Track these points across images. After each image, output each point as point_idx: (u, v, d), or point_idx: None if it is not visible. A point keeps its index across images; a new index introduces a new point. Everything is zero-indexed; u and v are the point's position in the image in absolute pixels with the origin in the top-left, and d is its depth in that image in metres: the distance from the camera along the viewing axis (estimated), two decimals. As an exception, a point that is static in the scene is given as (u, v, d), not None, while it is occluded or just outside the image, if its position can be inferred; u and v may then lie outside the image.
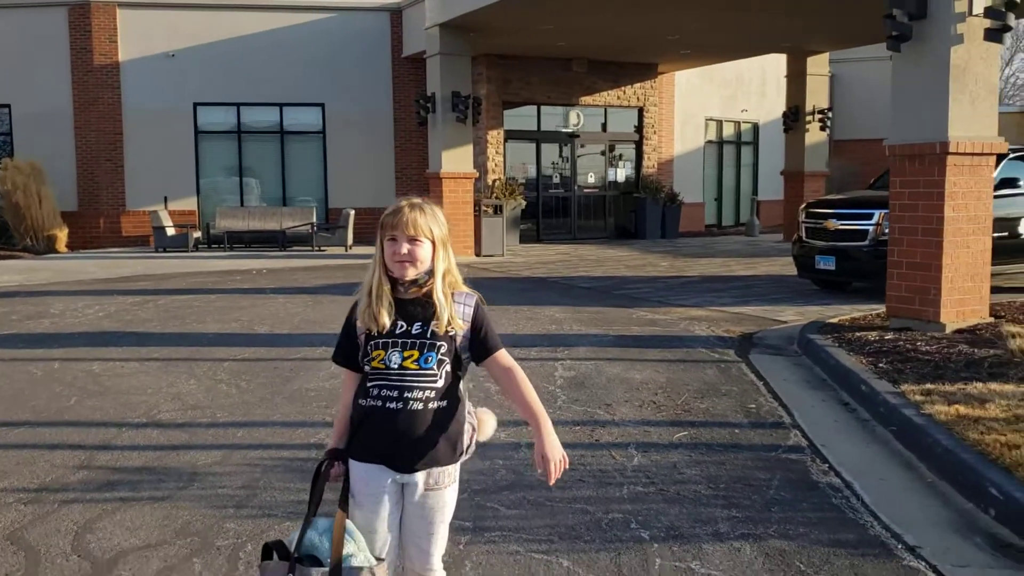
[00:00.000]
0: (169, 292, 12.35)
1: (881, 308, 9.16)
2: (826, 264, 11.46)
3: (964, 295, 8.30)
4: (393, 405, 2.63)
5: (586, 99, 21.49)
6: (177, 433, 5.56)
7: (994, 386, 5.91)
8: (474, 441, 2.80)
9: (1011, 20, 7.96)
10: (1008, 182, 11.31)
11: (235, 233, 18.84)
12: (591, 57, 20.79)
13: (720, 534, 3.96)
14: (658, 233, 21.90)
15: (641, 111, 22.29)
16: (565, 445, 2.75)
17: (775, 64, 23.28)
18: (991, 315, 8.55)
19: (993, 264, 11.14)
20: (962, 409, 5.37)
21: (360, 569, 2.56)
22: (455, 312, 2.67)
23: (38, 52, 19.80)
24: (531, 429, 2.69)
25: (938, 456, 4.82)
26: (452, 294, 2.70)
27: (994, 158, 8.48)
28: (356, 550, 2.59)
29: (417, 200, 2.80)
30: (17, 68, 19.73)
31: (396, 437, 2.62)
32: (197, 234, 18.86)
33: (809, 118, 20.08)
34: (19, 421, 5.87)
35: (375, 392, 2.65)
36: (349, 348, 2.75)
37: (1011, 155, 11.56)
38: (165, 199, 19.89)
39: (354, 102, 20.68)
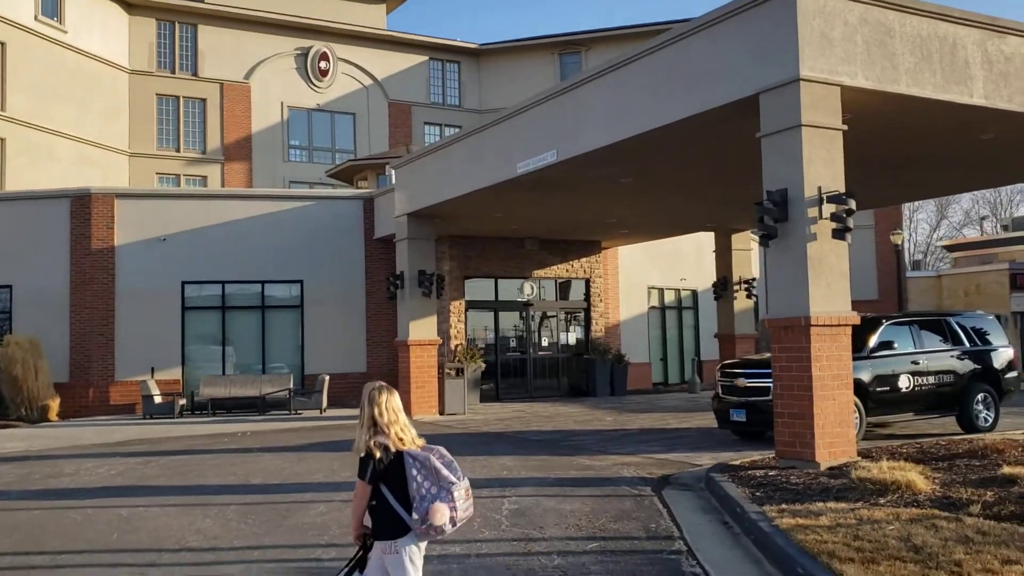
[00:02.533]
0: (166, 454, 13.92)
1: (777, 452, 11.04)
2: (738, 416, 13.41)
3: (834, 438, 10.25)
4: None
5: (538, 272, 23.96)
6: (206, 555, 7.22)
7: (831, 504, 7.79)
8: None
9: (851, 223, 10.32)
10: (886, 344, 13.45)
11: (218, 400, 20.46)
12: (541, 236, 23.42)
13: (606, 601, 5.71)
14: (607, 391, 23.88)
15: (588, 282, 24.78)
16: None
17: (709, 238, 26.05)
18: (859, 455, 10.46)
19: (879, 414, 13.33)
20: (801, 521, 7.21)
21: None
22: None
23: (41, 238, 21.94)
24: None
25: (775, 553, 6.63)
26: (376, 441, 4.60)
27: (849, 328, 10.60)
28: None
29: (378, 385, 4.68)
30: (20, 252, 21.80)
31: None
32: (183, 401, 20.45)
33: (736, 287, 22.55)
34: (78, 550, 7.48)
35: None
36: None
37: (887, 322, 13.87)
38: (152, 369, 21.57)
39: (330, 278, 22.92)
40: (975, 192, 57.76)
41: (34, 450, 14.81)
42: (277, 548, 7.43)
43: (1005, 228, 41.40)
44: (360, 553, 4.56)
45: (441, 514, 4.44)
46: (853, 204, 10.25)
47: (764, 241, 10.70)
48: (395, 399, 4.62)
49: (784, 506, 7.86)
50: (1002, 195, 60.72)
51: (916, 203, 57.94)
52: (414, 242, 19.16)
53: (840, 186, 10.42)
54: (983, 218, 59.61)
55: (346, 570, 4.59)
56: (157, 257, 22.01)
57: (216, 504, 9.42)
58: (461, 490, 4.47)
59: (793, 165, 10.35)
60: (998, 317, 34.74)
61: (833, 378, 10.33)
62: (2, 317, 22.13)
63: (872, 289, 34.24)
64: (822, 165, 10.36)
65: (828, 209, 10.32)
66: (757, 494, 8.61)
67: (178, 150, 33.74)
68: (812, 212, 10.33)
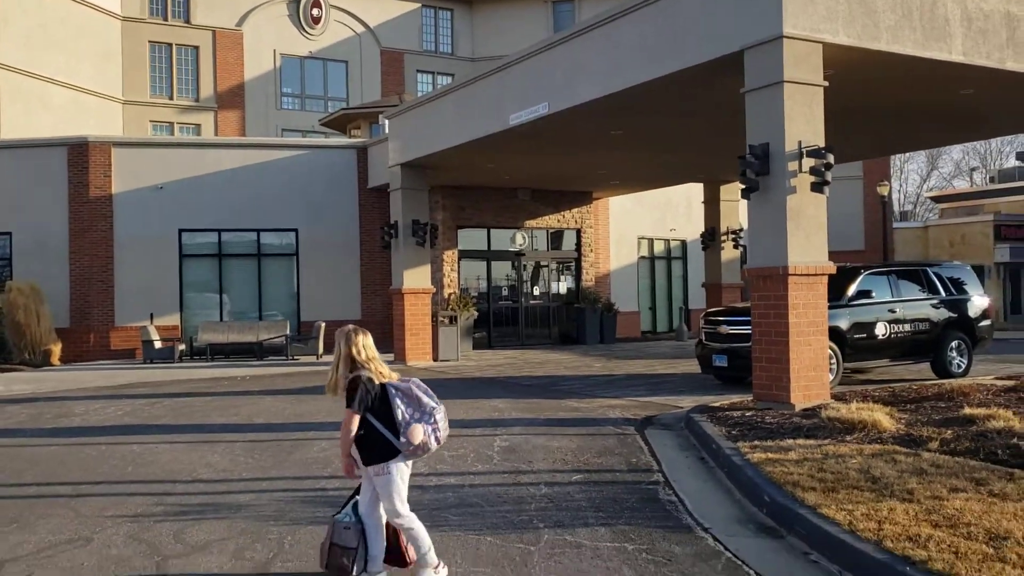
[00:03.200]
0: (170, 396, 14.44)
1: (755, 395, 11.61)
2: (720, 362, 13.96)
3: (809, 382, 10.80)
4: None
5: (530, 222, 24.35)
6: (218, 485, 7.75)
7: (801, 441, 8.34)
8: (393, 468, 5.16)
9: (829, 177, 10.75)
10: (864, 293, 13.96)
11: (217, 345, 20.96)
12: (533, 187, 23.77)
13: (588, 523, 6.27)
14: (597, 339, 24.45)
15: (579, 232, 25.20)
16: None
17: (699, 189, 26.41)
18: (833, 398, 11.02)
19: (857, 360, 13.89)
20: (771, 455, 7.76)
21: (341, 520, 4.91)
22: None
23: (39, 186, 22.21)
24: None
25: (745, 483, 7.19)
26: (358, 375, 5.10)
27: (826, 277, 11.09)
28: (349, 515, 4.95)
29: (351, 328, 5.19)
30: (19, 200, 22.09)
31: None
32: (182, 347, 20.96)
33: (724, 238, 23.00)
34: (97, 481, 8.00)
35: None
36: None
37: (865, 271, 14.37)
38: (151, 315, 22.03)
39: (325, 227, 23.29)
40: (966, 144, 58.06)
41: (41, 392, 15.31)
42: (283, 479, 7.96)
43: (992, 180, 41.82)
44: (355, 495, 5.12)
45: (426, 434, 4.99)
46: (831, 158, 10.66)
47: (746, 194, 11.13)
48: (369, 339, 5.18)
49: (756, 443, 8.41)
50: (992, 146, 61.07)
51: (907, 154, 58.23)
52: (408, 192, 19.51)
53: (820, 141, 10.83)
54: (973, 169, 59.97)
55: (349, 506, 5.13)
56: (154, 205, 22.33)
57: (223, 441, 9.95)
58: (440, 413, 5.07)
59: (775, 120, 10.73)
60: (981, 268, 35.39)
61: (809, 325, 10.84)
62: (2, 264, 22.49)
63: (859, 240, 34.75)
64: (803, 120, 10.74)
65: (807, 163, 10.73)
66: (733, 432, 9.16)
67: (171, 98, 33.79)
68: (792, 166, 10.75)
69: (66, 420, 11.91)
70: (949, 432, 8.46)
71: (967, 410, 9.23)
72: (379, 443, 5.00)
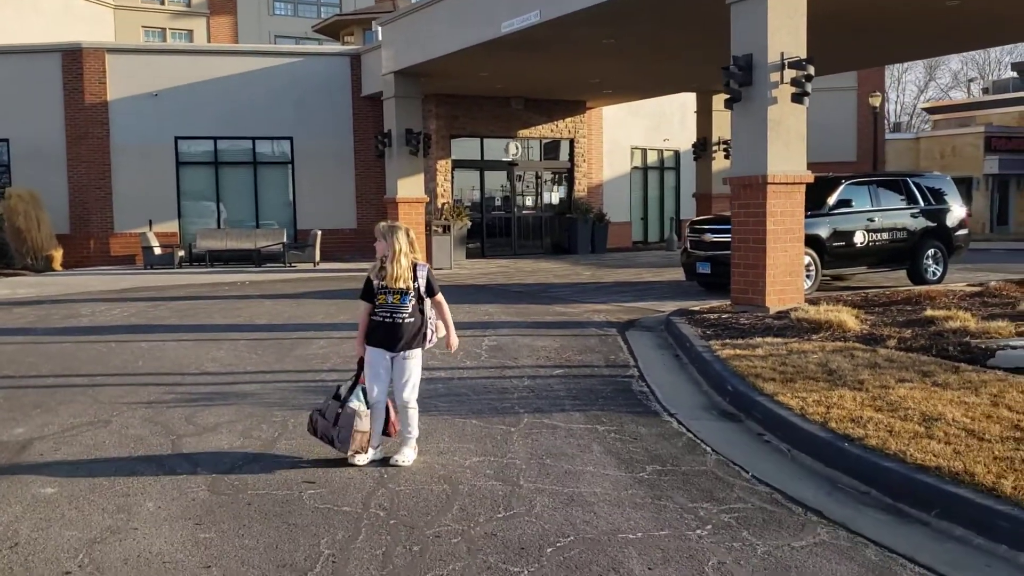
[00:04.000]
0: (173, 299, 14.97)
1: (732, 299, 12.14)
2: (703, 269, 14.47)
3: (784, 286, 11.33)
4: (388, 320, 5.45)
5: (524, 132, 24.54)
6: (224, 376, 8.32)
7: (769, 339, 8.90)
8: (434, 338, 5.63)
9: (809, 88, 11.05)
10: (845, 203, 14.39)
11: (215, 252, 21.42)
12: (527, 96, 23.87)
13: (564, 410, 6.86)
14: (588, 249, 24.94)
15: (572, 142, 25.42)
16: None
17: (692, 99, 26.51)
18: (807, 302, 11.56)
19: (835, 267, 14.40)
20: (739, 352, 8.33)
21: (355, 410, 5.39)
22: (418, 275, 5.50)
23: (34, 92, 22.28)
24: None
25: (712, 376, 7.76)
26: (415, 266, 5.52)
27: (803, 186, 11.51)
28: (359, 402, 5.43)
29: (393, 222, 5.61)
30: (15, 106, 22.19)
31: (390, 335, 5.45)
32: (181, 253, 21.40)
33: (715, 148, 23.27)
34: (111, 373, 8.57)
35: (379, 314, 5.47)
36: (367, 293, 5.55)
37: (847, 181, 14.76)
38: (150, 222, 22.41)
39: (319, 135, 23.48)
40: (965, 54, 57.53)
41: (46, 295, 15.82)
42: (285, 372, 8.53)
43: (986, 91, 41.73)
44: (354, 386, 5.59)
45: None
46: (812, 70, 10.96)
47: (729, 104, 11.45)
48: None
49: (727, 341, 8.97)
50: (991, 56, 60.55)
51: (905, 64, 57.75)
52: (401, 100, 19.68)
53: (802, 52, 11.10)
54: (971, 80, 59.62)
55: (351, 382, 5.61)
56: (150, 113, 22.47)
57: (227, 340, 10.50)
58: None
59: (758, 32, 10.98)
60: (970, 179, 35.74)
61: (786, 232, 11.31)
62: (0, 171, 22.74)
63: (851, 151, 34.92)
64: (786, 32, 10.99)
65: (789, 74, 11.03)
66: (707, 332, 9.71)
67: (163, 3, 33.44)
68: (774, 77, 11.05)
69: (74, 320, 12.45)
70: (909, 332, 9.02)
71: (928, 312, 9.78)
72: (424, 327, 5.50)
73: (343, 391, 5.57)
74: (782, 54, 10.96)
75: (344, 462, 5.48)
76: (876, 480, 5.00)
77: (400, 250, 5.44)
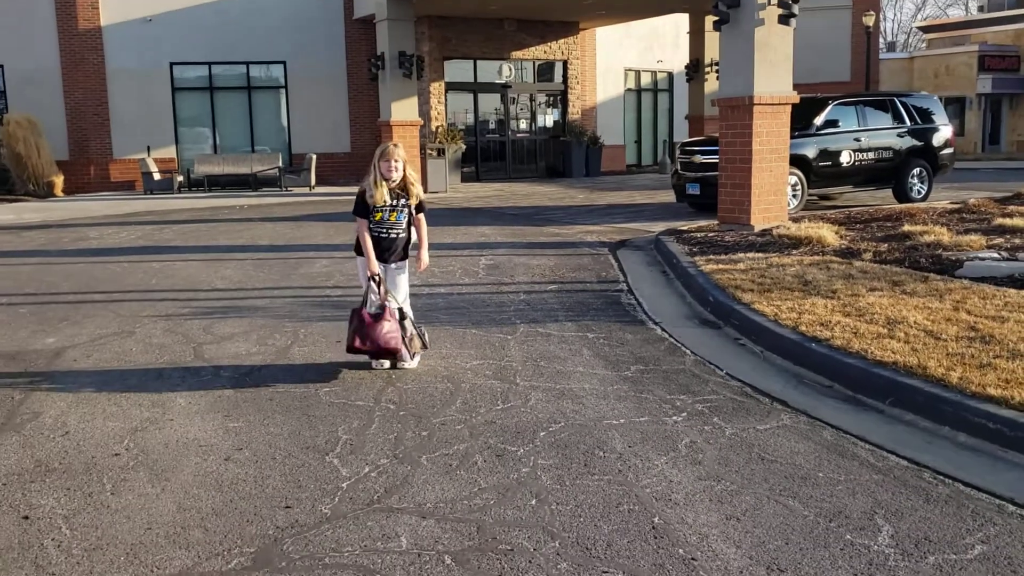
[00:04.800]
0: (176, 222, 15.35)
1: (719, 218, 12.57)
2: (693, 190, 14.84)
3: (768, 205, 11.75)
4: (384, 235, 5.89)
5: (516, 54, 24.58)
6: (235, 292, 8.79)
7: (751, 255, 9.37)
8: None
9: (796, 10, 11.29)
10: (832, 123, 14.70)
11: (213, 177, 21.70)
12: (520, 17, 23.86)
13: (558, 320, 7.35)
14: (583, 172, 25.21)
15: (566, 64, 25.47)
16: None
17: (686, 19, 26.46)
18: (791, 220, 12.00)
19: (822, 187, 14.80)
20: (722, 266, 8.80)
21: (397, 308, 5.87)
22: (419, 189, 5.93)
23: (26, 17, 22.21)
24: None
25: (696, 288, 8.24)
26: (416, 181, 5.94)
27: (789, 107, 11.83)
28: (393, 300, 5.88)
29: (395, 143, 6.00)
30: (7, 32, 22.14)
31: (385, 249, 5.89)
32: (180, 178, 21.68)
33: (708, 70, 23.34)
34: (128, 290, 9.03)
35: (375, 230, 5.90)
36: (363, 209, 5.96)
37: (834, 102, 15.04)
38: (148, 148, 22.62)
39: (312, 60, 23.53)
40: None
41: (52, 220, 16.19)
42: (292, 288, 9.00)
43: (981, 9, 41.48)
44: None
45: None
46: (799, -9, 11.18)
47: (717, 25, 11.70)
48: None
49: (711, 256, 9.44)
50: (991, -25, 59.66)
51: (903, -17, 56.93)
52: (394, 23, 19.72)
53: (790, -26, 11.30)
54: (969, -2, 58.90)
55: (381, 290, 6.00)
56: (144, 38, 22.45)
57: (233, 260, 10.94)
58: None
59: (747, -47, 11.16)
60: (963, 99, 35.76)
61: (771, 152, 11.68)
62: (-3, 97, 22.84)
63: (845, 71, 34.86)
64: (774, -47, 11.18)
65: (777, -5, 11.26)
66: (693, 249, 10.17)
67: (149, -76, 32.87)
68: (762, -1, 11.27)
69: (84, 243, 12.86)
70: (885, 246, 9.49)
71: (906, 227, 10.25)
72: (411, 240, 6.01)
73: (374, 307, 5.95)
74: (770, -24, 11.17)
75: (354, 365, 5.98)
76: (839, 375, 5.52)
77: (405, 161, 5.88)
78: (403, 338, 5.75)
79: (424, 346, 5.93)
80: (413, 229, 6.02)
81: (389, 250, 5.91)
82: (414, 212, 5.97)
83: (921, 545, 3.39)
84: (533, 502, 3.85)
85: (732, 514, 3.70)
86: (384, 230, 5.89)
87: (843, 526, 3.56)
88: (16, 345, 6.84)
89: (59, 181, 21.74)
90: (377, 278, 5.80)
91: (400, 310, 5.87)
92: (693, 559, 3.33)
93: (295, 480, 4.13)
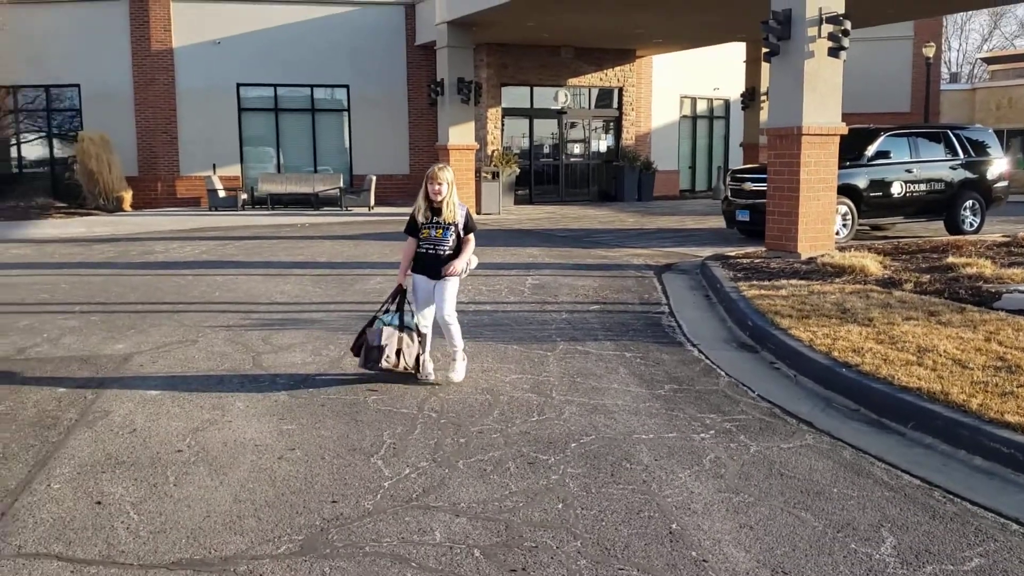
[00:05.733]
0: (239, 238, 15.97)
1: (766, 245, 12.72)
2: (743, 217, 15.00)
3: (816, 234, 11.88)
4: (432, 252, 6.24)
5: (573, 80, 24.99)
6: (293, 306, 9.23)
7: (794, 281, 9.53)
8: (467, 270, 6.41)
9: (845, 43, 11.46)
10: (883, 154, 14.77)
11: (275, 195, 22.44)
12: (576, 45, 24.29)
13: (597, 339, 7.62)
14: (635, 196, 25.45)
15: (621, 91, 25.80)
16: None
17: (743, 48, 26.62)
18: (838, 249, 12.09)
19: (872, 216, 14.85)
20: (764, 292, 8.98)
21: (414, 326, 6.20)
22: (458, 213, 6.26)
23: (103, 39, 23.32)
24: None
25: (736, 313, 8.44)
26: (456, 204, 6.28)
27: (837, 137, 11.97)
28: (420, 319, 6.24)
29: (441, 164, 6.36)
30: (85, 53, 23.28)
31: (433, 264, 6.24)
32: (244, 196, 22.45)
33: (763, 98, 23.48)
34: (191, 302, 9.53)
35: (423, 247, 6.25)
36: (412, 227, 6.33)
37: (886, 133, 15.10)
38: (214, 166, 23.47)
39: (374, 84, 24.25)
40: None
41: (121, 234, 16.94)
42: (347, 303, 9.41)
43: (1048, 41, 40.68)
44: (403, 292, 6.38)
45: None
46: (849, 25, 11.36)
47: (767, 57, 11.92)
48: None
49: (755, 283, 9.62)
50: (1061, 4, 58.57)
51: (969, 13, 56.29)
52: (453, 50, 20.28)
53: (840, 8, 11.49)
54: (1037, 29, 57.86)
55: (398, 300, 6.38)
56: (213, 59, 23.39)
57: (292, 275, 11.42)
58: None
59: (797, -13, 11.38)
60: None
61: (819, 181, 11.83)
62: (72, 114, 23.95)
63: (905, 101, 34.56)
64: (824, -13, 11.38)
65: (826, 29, 11.45)
66: (738, 275, 10.35)
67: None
68: (811, 31, 11.48)
69: (151, 256, 13.49)
70: (927, 277, 9.57)
71: (950, 259, 10.30)
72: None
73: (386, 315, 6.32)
74: (820, 9, 11.37)
75: (400, 377, 6.32)
76: (865, 399, 5.69)
77: (452, 184, 6.21)
78: (401, 350, 6.10)
79: (416, 371, 6.23)
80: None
81: (435, 266, 6.26)
82: (462, 232, 6.29)
83: (921, 556, 3.59)
84: (559, 506, 4.12)
85: (746, 523, 3.93)
86: (431, 246, 6.24)
87: (849, 536, 3.77)
88: (88, 350, 7.33)
89: (128, 196, 22.67)
90: (401, 288, 6.26)
91: (417, 328, 6.22)
92: (704, 561, 3.58)
93: (341, 478, 4.47)
